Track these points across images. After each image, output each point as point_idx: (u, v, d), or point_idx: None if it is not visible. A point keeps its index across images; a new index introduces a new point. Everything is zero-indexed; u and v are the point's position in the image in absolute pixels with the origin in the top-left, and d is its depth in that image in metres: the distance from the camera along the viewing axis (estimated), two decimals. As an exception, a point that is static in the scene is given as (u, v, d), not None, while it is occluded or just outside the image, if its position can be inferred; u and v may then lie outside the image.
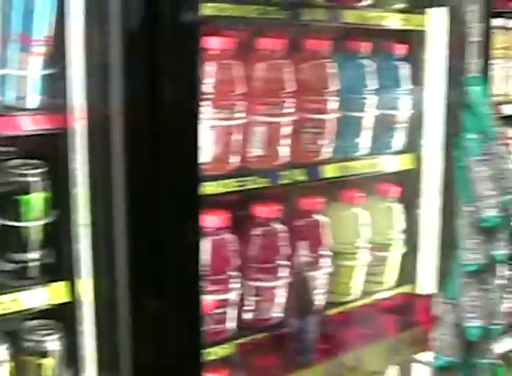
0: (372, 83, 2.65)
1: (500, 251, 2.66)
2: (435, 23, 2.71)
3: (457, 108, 2.65)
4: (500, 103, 3.00)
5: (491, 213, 2.60)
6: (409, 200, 2.88)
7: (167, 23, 1.77)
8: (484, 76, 2.73)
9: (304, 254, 2.53)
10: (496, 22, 2.96)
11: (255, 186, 2.35)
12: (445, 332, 2.64)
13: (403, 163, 2.84)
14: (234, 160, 2.33)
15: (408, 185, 2.88)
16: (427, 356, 2.82)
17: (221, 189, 2.26)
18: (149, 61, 1.76)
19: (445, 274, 2.73)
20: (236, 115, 2.29)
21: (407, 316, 2.82)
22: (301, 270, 2.52)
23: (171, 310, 1.88)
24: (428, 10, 2.71)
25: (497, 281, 2.72)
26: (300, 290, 2.51)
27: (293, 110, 2.40)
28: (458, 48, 2.66)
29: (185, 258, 1.89)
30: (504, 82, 3.17)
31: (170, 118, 1.81)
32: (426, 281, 2.84)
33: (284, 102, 2.38)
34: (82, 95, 1.82)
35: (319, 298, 2.60)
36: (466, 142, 2.61)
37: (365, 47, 2.65)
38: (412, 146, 2.85)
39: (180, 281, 1.89)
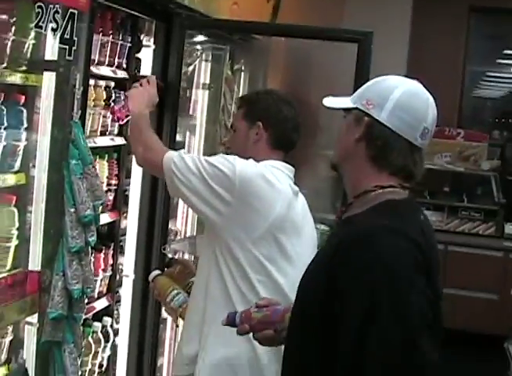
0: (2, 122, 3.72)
1: (91, 238, 3.96)
2: (47, 82, 3.90)
3: (65, 142, 3.89)
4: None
5: (87, 213, 3.89)
6: (24, 206, 3.99)
7: None
8: (83, 120, 4.03)
9: None
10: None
11: None
12: (57, 294, 3.83)
13: (18, 179, 3.93)
14: None
15: (23, 194, 3.99)
16: (35, 317, 3.96)
17: None
18: None
19: (53, 255, 3.91)
20: None
21: (23, 287, 3.89)
22: None
23: None
24: (45, 73, 3.88)
25: (89, 258, 4.02)
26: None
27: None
28: (66, 100, 3.90)
29: None
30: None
31: None
32: (35, 262, 3.97)
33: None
34: None
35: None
36: (71, 166, 3.87)
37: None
38: (25, 167, 3.98)
39: None
